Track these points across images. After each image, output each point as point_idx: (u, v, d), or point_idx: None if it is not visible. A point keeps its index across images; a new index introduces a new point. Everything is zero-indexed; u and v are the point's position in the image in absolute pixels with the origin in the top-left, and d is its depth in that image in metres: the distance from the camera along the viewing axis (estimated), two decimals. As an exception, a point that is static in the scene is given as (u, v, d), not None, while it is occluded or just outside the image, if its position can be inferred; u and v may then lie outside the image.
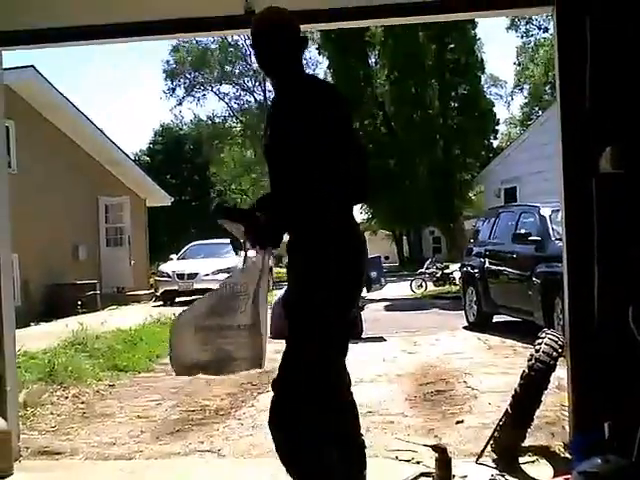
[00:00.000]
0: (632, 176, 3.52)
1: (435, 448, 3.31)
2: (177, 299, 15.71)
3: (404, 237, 35.55)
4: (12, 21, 3.94)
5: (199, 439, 4.64)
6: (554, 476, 3.37)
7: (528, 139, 20.25)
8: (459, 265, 12.06)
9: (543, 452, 3.68)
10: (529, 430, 3.65)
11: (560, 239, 6.92)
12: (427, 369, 6.24)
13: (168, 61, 41.38)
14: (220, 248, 18.10)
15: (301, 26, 2.76)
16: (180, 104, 41.91)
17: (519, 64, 41.63)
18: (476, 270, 10.19)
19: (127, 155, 20.21)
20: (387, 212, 28.41)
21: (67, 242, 15.07)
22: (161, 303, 15.70)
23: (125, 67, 73.34)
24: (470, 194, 29.86)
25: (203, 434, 4.76)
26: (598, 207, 3.59)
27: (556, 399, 4.16)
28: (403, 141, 26.61)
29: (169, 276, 16.19)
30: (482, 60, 28.59)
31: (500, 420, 3.81)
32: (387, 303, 14.95)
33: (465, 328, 10.05)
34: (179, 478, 3.81)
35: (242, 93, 42.81)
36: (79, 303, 12.52)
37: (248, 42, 38.41)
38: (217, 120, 42.97)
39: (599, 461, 2.90)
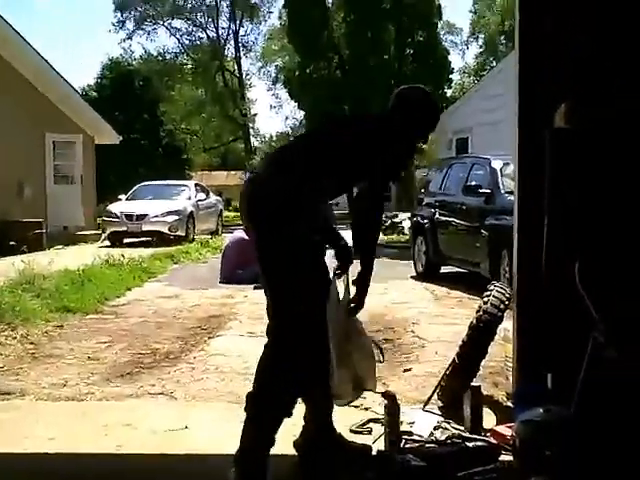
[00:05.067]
0: (585, 133, 3.58)
1: (384, 395, 3.39)
2: (125, 240, 15.52)
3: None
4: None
5: (150, 382, 4.67)
6: (496, 424, 3.51)
7: (482, 89, 20.33)
8: (409, 215, 12.12)
9: (487, 401, 3.80)
10: (474, 380, 3.76)
11: (510, 192, 7.06)
12: (376, 318, 6.34)
13: (118, -9, 39.92)
14: (170, 189, 17.93)
15: None
16: (130, 38, 40.48)
17: (475, 12, 41.46)
18: (426, 220, 10.25)
19: (75, 90, 19.65)
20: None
21: (11, 179, 14.65)
22: (108, 244, 15.48)
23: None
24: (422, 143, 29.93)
25: (154, 377, 4.79)
26: (550, 161, 3.65)
27: (501, 350, 4.28)
28: (358, 86, 26.35)
29: (117, 217, 15.91)
30: (439, 6, 28.41)
31: (447, 369, 3.93)
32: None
33: (413, 278, 10.18)
34: (131, 419, 3.85)
35: (194, 29, 41.70)
36: (24, 242, 12.29)
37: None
38: (168, 56, 41.80)
39: (541, 411, 3.01)
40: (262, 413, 2.88)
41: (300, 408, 3.15)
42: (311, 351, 2.87)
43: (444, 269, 10.12)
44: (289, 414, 2.93)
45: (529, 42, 3.66)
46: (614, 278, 3.54)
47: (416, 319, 6.60)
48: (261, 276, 2.99)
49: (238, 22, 41.37)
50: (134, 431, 3.70)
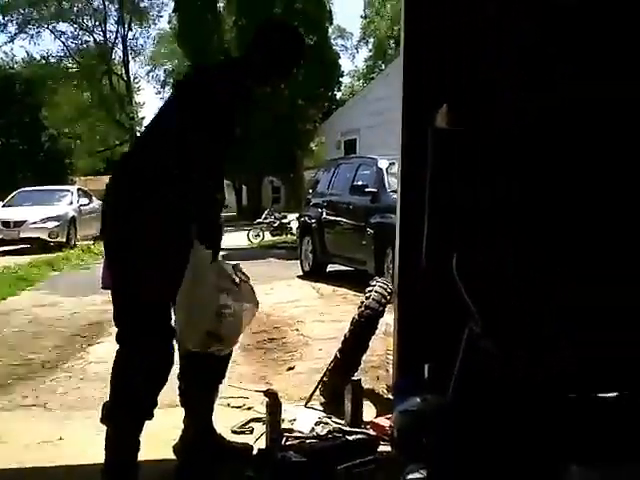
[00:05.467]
0: (465, 134, 3.68)
1: (266, 394, 3.36)
2: (1, 248, 14.81)
3: (244, 186, 35.39)
4: None
5: (23, 394, 4.43)
6: (376, 416, 3.53)
7: (370, 92, 20.66)
8: (297, 215, 12.18)
9: (368, 394, 3.82)
10: (356, 374, 3.78)
11: (395, 191, 7.17)
12: (261, 318, 6.29)
13: (0, -6, 38.20)
14: (51, 195, 17.27)
15: None
16: (12, 41, 39.14)
17: (365, 17, 42.20)
18: (313, 220, 10.32)
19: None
20: (226, 161, 28.05)
21: None
22: (-17, 252, 14.74)
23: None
24: (312, 145, 30.14)
25: (28, 388, 4.56)
26: (432, 162, 3.73)
27: (383, 344, 4.32)
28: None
29: (-6, 224, 15.17)
30: (330, 11, 28.75)
31: (329, 365, 3.94)
32: (223, 253, 14.79)
33: (300, 277, 10.21)
34: (1, 433, 3.63)
35: (81, 32, 40.44)
36: None
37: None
38: (52, 60, 40.37)
39: (417, 400, 3.06)
40: (120, 419, 2.75)
41: (180, 412, 3.08)
42: (154, 341, 2.74)
43: (331, 267, 10.20)
44: (149, 415, 2.78)
45: (413, 46, 3.72)
46: (489, 270, 3.64)
47: (301, 317, 6.61)
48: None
49: (127, 26, 40.55)
50: (4, 445, 3.49)
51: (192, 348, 2.84)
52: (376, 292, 3.98)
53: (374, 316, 3.90)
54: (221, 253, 3.10)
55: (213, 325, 2.77)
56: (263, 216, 18.62)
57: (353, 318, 3.94)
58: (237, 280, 2.93)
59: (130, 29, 40.98)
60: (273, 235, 17.77)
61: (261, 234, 17.80)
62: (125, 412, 2.74)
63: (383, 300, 3.94)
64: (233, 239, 16.95)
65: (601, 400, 3.50)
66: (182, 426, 3.10)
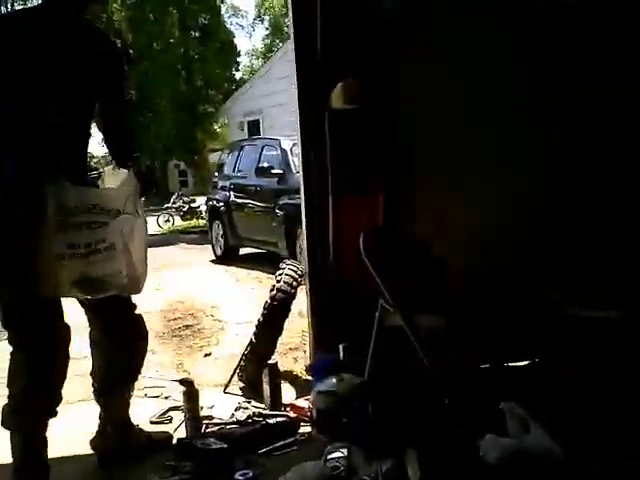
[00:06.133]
0: (362, 112, 3.73)
1: (182, 382, 3.36)
2: None
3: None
4: None
5: None
6: (296, 398, 3.59)
7: (269, 71, 20.48)
8: (205, 199, 12.07)
9: (286, 377, 3.87)
10: (272, 357, 3.82)
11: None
12: (175, 305, 6.25)
13: None
14: None
15: None
16: None
17: (258, -6, 41.73)
18: (222, 204, 10.25)
19: None
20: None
21: None
22: None
23: None
24: (215, 127, 29.81)
25: None
26: (330, 142, 3.77)
27: (298, 326, 4.38)
28: (142, 71, 25.70)
29: None
30: (222, -11, 28.40)
31: (245, 350, 3.96)
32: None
33: (212, 262, 10.15)
34: None
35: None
36: None
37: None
38: None
39: (334, 380, 3.12)
40: (21, 419, 2.66)
41: (94, 407, 3.04)
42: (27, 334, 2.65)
43: (243, 251, 10.17)
44: (52, 413, 2.72)
45: (302, 24, 3.73)
46: (395, 247, 3.73)
47: (216, 303, 6.57)
48: None
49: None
50: None
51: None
52: (287, 275, 4.02)
53: (286, 299, 3.93)
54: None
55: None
56: (171, 200, 18.33)
57: (265, 302, 3.96)
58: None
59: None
60: (183, 220, 17.52)
61: (171, 219, 17.53)
62: (25, 412, 2.65)
63: (294, 282, 3.98)
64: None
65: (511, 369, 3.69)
66: (98, 421, 3.06)
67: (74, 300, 2.77)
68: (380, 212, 3.82)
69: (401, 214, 3.84)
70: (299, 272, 4.05)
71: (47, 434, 2.73)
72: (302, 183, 4.01)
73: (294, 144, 8.49)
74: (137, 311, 2.97)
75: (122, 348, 2.91)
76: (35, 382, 2.64)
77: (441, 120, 3.73)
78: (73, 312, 2.82)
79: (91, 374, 2.99)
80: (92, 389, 3.01)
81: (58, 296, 2.64)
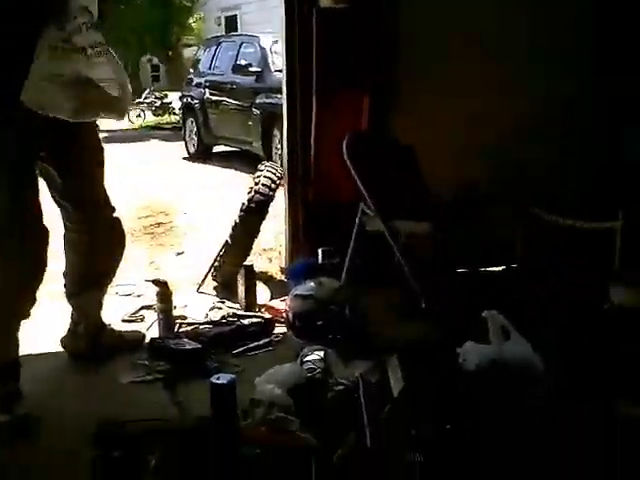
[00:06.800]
0: (352, 11, 3.57)
1: (155, 282, 3.28)
2: None
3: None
4: None
5: None
6: (270, 299, 3.55)
7: (249, -37, 19.75)
8: (179, 95, 11.80)
9: (261, 277, 3.83)
10: (248, 258, 3.76)
11: (280, 70, 7.03)
12: (147, 202, 6.11)
13: None
14: None
15: None
16: None
17: None
18: (196, 101, 10.02)
19: None
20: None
21: None
22: None
23: None
24: (190, 21, 28.81)
25: None
26: (317, 41, 3.61)
27: (273, 227, 4.30)
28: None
29: None
30: None
31: (220, 250, 3.89)
32: (104, 135, 14.18)
33: (185, 159, 9.97)
34: None
35: None
36: None
37: None
38: None
39: (312, 284, 3.08)
40: None
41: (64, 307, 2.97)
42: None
43: (217, 149, 10.00)
44: (25, 315, 2.60)
45: None
46: (378, 150, 3.65)
47: (189, 201, 6.45)
48: None
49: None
50: None
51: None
52: (265, 177, 3.91)
53: (264, 201, 3.84)
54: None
55: None
56: (143, 96, 17.79)
57: (242, 204, 3.87)
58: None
59: None
60: (155, 115, 17.09)
61: (142, 114, 17.08)
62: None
63: (273, 185, 3.88)
64: (114, 120, 16.19)
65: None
66: (69, 320, 2.99)
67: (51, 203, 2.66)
68: (365, 115, 3.72)
69: (386, 118, 3.74)
70: (277, 174, 3.95)
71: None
72: (284, 81, 3.86)
73: (274, 42, 8.24)
74: (115, 214, 2.87)
75: (99, 248, 2.81)
76: (10, 285, 2.54)
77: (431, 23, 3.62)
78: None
79: (64, 274, 2.89)
80: (64, 290, 2.92)
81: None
